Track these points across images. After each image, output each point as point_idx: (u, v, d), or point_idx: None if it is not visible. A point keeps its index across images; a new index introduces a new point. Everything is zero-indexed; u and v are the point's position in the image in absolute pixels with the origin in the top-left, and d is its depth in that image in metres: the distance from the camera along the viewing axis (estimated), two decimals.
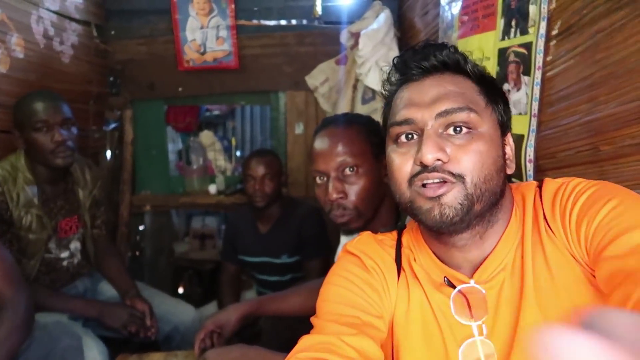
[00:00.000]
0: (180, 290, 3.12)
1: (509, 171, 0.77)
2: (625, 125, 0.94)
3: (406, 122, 0.74)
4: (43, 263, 1.71)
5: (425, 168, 0.70)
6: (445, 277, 0.78)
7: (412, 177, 0.72)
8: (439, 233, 0.74)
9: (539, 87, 1.21)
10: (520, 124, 1.26)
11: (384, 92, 0.84)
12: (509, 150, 0.78)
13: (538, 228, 0.73)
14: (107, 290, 1.92)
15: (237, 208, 2.49)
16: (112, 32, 2.58)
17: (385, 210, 1.23)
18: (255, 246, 2.17)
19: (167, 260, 3.19)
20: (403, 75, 0.79)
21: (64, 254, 1.79)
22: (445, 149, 0.70)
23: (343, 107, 2.32)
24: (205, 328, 1.38)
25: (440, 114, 0.71)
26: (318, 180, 1.20)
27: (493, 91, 0.77)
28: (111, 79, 2.63)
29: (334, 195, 1.14)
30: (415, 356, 0.78)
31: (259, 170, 2.06)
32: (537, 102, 1.22)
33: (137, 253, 2.94)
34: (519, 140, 1.27)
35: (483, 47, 1.46)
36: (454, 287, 0.76)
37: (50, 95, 1.69)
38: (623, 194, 0.67)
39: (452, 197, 0.69)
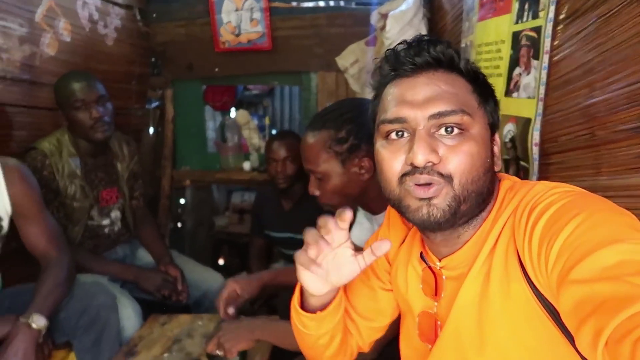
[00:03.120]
0: (221, 262, 3.29)
1: (497, 168, 0.77)
2: (618, 110, 0.95)
3: (397, 120, 0.72)
4: (87, 229, 1.89)
5: (416, 169, 0.70)
6: (421, 252, 0.85)
7: (403, 176, 0.72)
8: (424, 229, 0.77)
9: (546, 71, 1.22)
10: (529, 108, 1.28)
11: (372, 82, 0.82)
12: (497, 148, 0.78)
13: (514, 241, 0.70)
14: (144, 256, 2.09)
15: (269, 184, 2.60)
16: (154, 15, 2.71)
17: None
18: (279, 222, 2.27)
19: (206, 232, 3.36)
20: (395, 70, 0.76)
21: (105, 222, 1.96)
22: (437, 150, 0.69)
23: None
24: (227, 287, 1.47)
25: (434, 116, 0.70)
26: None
27: (485, 90, 0.76)
28: (152, 60, 2.78)
29: (311, 192, 1.32)
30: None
31: (280, 153, 2.14)
32: (544, 86, 1.23)
33: (179, 225, 3.12)
34: (526, 123, 1.29)
35: (499, 30, 1.47)
36: (427, 264, 0.84)
37: (83, 75, 1.83)
38: (593, 207, 0.61)
39: (441, 199, 0.70)
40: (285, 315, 1.35)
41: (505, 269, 0.69)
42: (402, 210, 0.74)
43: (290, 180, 2.17)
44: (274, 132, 3.62)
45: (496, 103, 0.79)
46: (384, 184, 0.75)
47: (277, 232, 2.32)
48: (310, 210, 2.20)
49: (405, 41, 0.77)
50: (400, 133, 0.73)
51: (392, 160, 0.73)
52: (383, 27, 2.27)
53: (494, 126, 0.77)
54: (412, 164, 0.70)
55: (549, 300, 0.63)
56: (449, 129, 0.70)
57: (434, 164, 0.69)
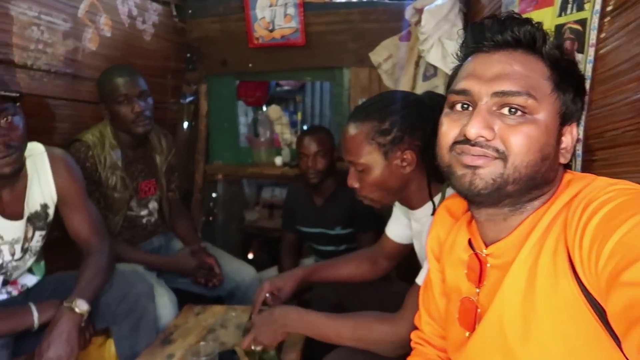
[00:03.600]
0: (250, 256, 3.33)
1: (563, 160, 0.75)
2: None
3: (463, 92, 0.74)
4: (126, 219, 1.94)
5: (468, 140, 0.71)
6: (469, 238, 0.85)
7: (454, 144, 0.74)
8: (468, 201, 0.79)
9: (591, 64, 1.19)
10: None
11: (456, 55, 0.83)
12: (569, 140, 0.75)
13: (565, 235, 0.68)
14: (179, 248, 2.13)
15: (300, 179, 2.61)
16: (189, 11, 2.75)
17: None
18: (311, 218, 2.29)
19: (237, 226, 3.40)
20: (476, 44, 0.77)
21: (144, 212, 2.01)
22: (493, 126, 0.70)
23: (405, 84, 2.34)
24: (262, 289, 1.49)
25: (497, 94, 0.70)
26: None
27: (566, 78, 0.74)
28: (188, 55, 2.82)
29: (350, 184, 1.30)
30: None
31: (310, 148, 2.15)
32: (589, 80, 1.20)
33: (211, 218, 3.16)
34: None
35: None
36: (473, 249, 0.83)
37: (127, 70, 1.87)
38: None
39: (488, 171, 0.70)
40: (319, 309, 1.36)
41: (554, 263, 0.68)
42: (449, 177, 0.76)
43: (321, 175, 2.17)
44: (305, 127, 3.64)
45: (580, 94, 0.76)
46: (438, 150, 0.78)
47: (308, 227, 2.33)
48: (341, 206, 2.23)
49: (493, 16, 0.77)
50: (465, 105, 0.75)
51: (449, 128, 0.75)
52: (418, 22, 2.25)
53: (568, 116, 0.74)
54: (464, 135, 0.71)
55: (597, 300, 0.62)
56: (512, 110, 0.70)
57: (487, 140, 0.70)
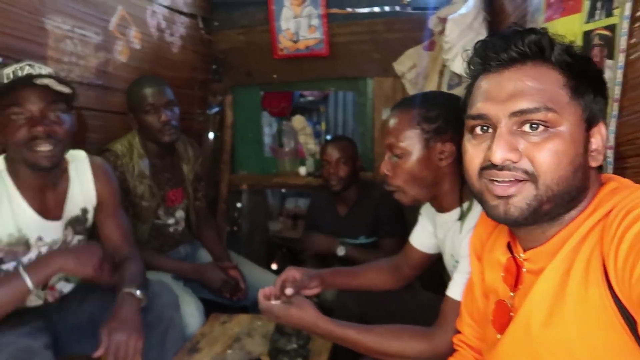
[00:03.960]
0: (274, 267, 3.34)
1: (595, 164, 0.73)
2: None
3: (480, 117, 0.74)
4: (153, 228, 1.97)
5: (494, 165, 0.70)
6: (508, 241, 0.85)
7: (482, 170, 0.73)
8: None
9: (621, 70, 1.17)
10: None
11: (465, 75, 0.82)
12: (599, 141, 0.73)
13: (601, 245, 0.67)
14: (205, 257, 2.15)
15: (324, 189, 2.62)
16: (215, 24, 2.81)
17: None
18: (334, 227, 2.28)
19: (261, 237, 3.42)
20: (482, 64, 0.76)
21: (171, 221, 2.04)
22: (518, 147, 0.69)
23: None
24: (286, 271, 1.48)
25: (514, 114, 0.69)
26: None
27: (583, 80, 0.72)
28: (214, 66, 2.87)
29: (382, 171, 1.28)
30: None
31: (333, 155, 2.17)
32: (619, 87, 1.18)
33: (235, 228, 3.19)
34: None
35: (568, 30, 1.43)
36: (512, 253, 0.83)
37: (154, 80, 1.92)
38: None
39: (521, 198, 0.69)
40: (342, 317, 1.35)
41: (587, 271, 0.67)
42: (482, 205, 0.76)
43: (343, 182, 2.18)
44: (328, 137, 3.65)
45: (601, 92, 0.74)
46: (467, 177, 0.77)
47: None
48: (365, 215, 2.23)
49: (494, 34, 0.76)
50: (485, 127, 0.74)
51: (474, 155, 0.75)
52: (442, 31, 2.25)
53: (593, 118, 0.72)
54: (490, 161, 0.70)
55: (628, 310, 0.61)
56: (534, 126, 0.69)
57: (514, 162, 0.69)
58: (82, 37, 1.80)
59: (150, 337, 1.52)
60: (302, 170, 2.94)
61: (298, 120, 3.12)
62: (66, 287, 1.56)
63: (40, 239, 1.40)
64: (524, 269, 0.79)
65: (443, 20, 2.24)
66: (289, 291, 1.36)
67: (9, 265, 1.37)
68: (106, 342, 1.23)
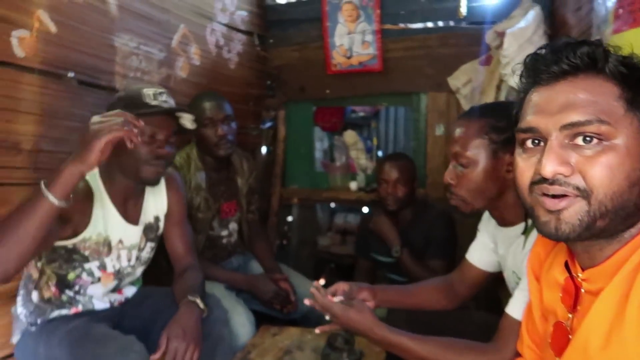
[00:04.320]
0: (322, 282, 3.32)
1: None
2: None
3: (530, 130, 0.72)
4: (208, 239, 2.02)
5: (545, 179, 0.68)
6: (566, 260, 0.81)
7: (533, 184, 0.71)
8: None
9: None
10: None
11: (518, 87, 0.80)
12: None
13: None
14: (256, 269, 2.17)
15: (375, 204, 2.59)
16: (271, 41, 2.88)
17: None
18: (385, 246, 2.21)
19: (310, 251, 3.42)
20: (533, 77, 0.74)
21: (224, 233, 2.08)
22: (570, 160, 0.67)
23: None
24: (335, 284, 1.45)
25: (565, 126, 0.67)
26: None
27: None
28: (268, 82, 2.94)
29: (446, 180, 1.27)
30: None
31: (391, 175, 2.11)
32: None
33: (285, 242, 3.21)
34: None
35: (639, 43, 1.36)
36: (570, 272, 0.79)
37: (214, 96, 1.99)
38: None
39: (573, 213, 0.67)
40: None
41: None
42: (534, 221, 0.74)
43: (399, 203, 2.13)
44: (379, 153, 3.63)
45: None
46: (519, 191, 0.76)
47: (383, 256, 2.29)
48: (418, 235, 2.18)
49: (546, 46, 0.74)
50: (536, 141, 0.72)
51: (524, 169, 0.73)
52: (499, 46, 2.20)
53: None
54: (540, 174, 0.68)
55: None
56: (587, 139, 0.67)
57: (565, 176, 0.66)
58: (147, 54, 1.89)
59: (201, 351, 1.53)
60: (353, 185, 2.94)
61: (350, 135, 3.13)
62: (131, 292, 1.62)
63: (120, 241, 1.48)
64: (583, 290, 0.76)
65: (501, 35, 2.20)
66: (337, 298, 1.35)
67: (92, 265, 1.44)
68: (165, 346, 1.26)
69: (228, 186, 2.10)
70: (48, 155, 1.53)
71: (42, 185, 1.09)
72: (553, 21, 2.18)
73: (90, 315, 1.46)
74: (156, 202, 1.59)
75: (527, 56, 0.76)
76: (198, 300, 1.42)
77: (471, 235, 1.53)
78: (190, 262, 1.63)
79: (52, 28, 1.48)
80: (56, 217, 1.14)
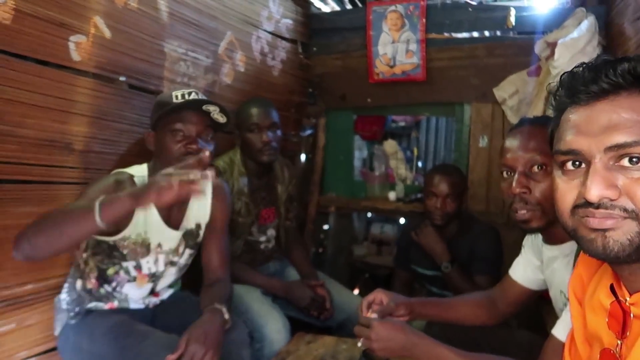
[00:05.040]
0: (356, 292, 3.30)
1: None
2: None
3: (571, 152, 0.69)
4: (246, 243, 2.03)
5: (590, 204, 0.65)
6: (612, 283, 0.77)
7: (575, 207, 0.68)
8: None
9: None
10: None
11: (553, 103, 0.77)
12: None
13: None
14: (293, 275, 2.17)
15: (414, 216, 2.55)
16: (314, 49, 2.90)
17: None
18: (427, 259, 2.15)
19: (345, 260, 3.40)
20: (571, 97, 0.71)
21: (262, 238, 2.09)
22: (616, 183, 0.64)
23: None
24: (373, 293, 1.42)
25: (611, 148, 0.64)
26: (505, 174, 1.22)
27: None
28: (310, 90, 2.95)
29: (517, 190, 1.15)
30: None
31: (442, 189, 2.00)
32: None
33: (321, 250, 3.21)
34: None
35: None
36: (616, 296, 0.76)
37: (262, 102, 2.01)
38: None
39: (621, 233, 0.64)
40: None
41: None
42: (577, 240, 0.70)
43: (447, 218, 2.05)
44: (420, 164, 3.58)
45: None
46: (558, 214, 0.72)
47: (423, 268, 2.23)
48: (461, 250, 2.11)
49: (582, 64, 0.70)
50: (577, 163, 0.69)
51: (566, 192, 0.70)
52: (549, 56, 2.14)
53: None
54: (585, 198, 0.65)
55: None
56: (633, 159, 0.63)
57: (612, 200, 0.63)
58: (194, 60, 1.93)
59: None
60: (392, 196, 2.90)
61: (390, 145, 3.10)
62: (167, 293, 1.64)
63: (159, 245, 1.50)
64: (631, 315, 0.71)
65: (551, 45, 2.13)
66: (372, 315, 1.32)
67: (129, 264, 1.47)
68: (182, 349, 1.24)
69: (268, 192, 2.11)
70: (98, 156, 1.58)
71: (97, 203, 1.10)
72: (609, 32, 2.11)
73: (126, 312, 1.48)
74: (200, 210, 1.59)
75: (562, 74, 0.74)
76: (224, 310, 1.40)
77: (514, 252, 1.48)
78: (222, 276, 1.60)
79: (107, 33, 1.54)
80: (95, 233, 1.16)
